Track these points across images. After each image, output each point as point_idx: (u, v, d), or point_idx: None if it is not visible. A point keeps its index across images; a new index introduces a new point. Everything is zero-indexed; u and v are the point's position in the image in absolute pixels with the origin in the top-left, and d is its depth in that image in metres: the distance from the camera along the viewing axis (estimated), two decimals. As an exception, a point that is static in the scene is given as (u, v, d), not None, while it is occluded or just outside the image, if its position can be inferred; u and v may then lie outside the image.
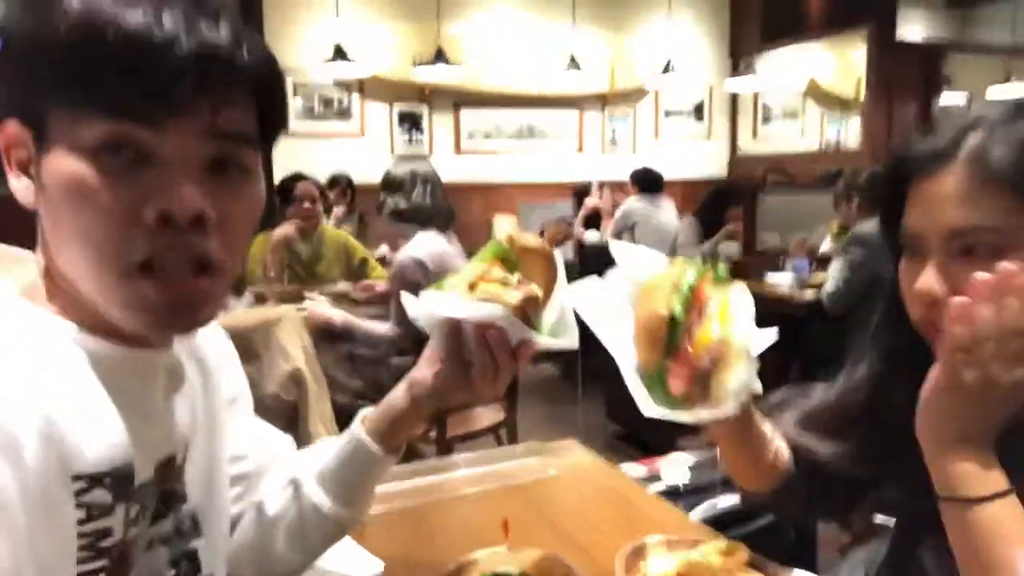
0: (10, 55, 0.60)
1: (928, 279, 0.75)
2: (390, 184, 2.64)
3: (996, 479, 0.69)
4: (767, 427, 0.93)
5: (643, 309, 0.78)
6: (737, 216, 4.34)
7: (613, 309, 0.83)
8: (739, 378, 0.75)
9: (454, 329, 0.78)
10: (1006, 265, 0.67)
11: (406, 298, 0.81)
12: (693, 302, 0.77)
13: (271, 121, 0.66)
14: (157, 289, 0.60)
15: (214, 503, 0.79)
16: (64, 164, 0.58)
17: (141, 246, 0.59)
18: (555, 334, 0.80)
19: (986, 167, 0.72)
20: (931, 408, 0.72)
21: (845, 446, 0.93)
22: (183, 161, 0.59)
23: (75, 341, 0.63)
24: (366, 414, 0.88)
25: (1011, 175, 0.71)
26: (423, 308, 0.78)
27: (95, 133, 0.57)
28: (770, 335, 0.78)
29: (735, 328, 0.76)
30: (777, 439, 0.94)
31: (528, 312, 0.75)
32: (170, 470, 0.70)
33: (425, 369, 0.85)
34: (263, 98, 0.64)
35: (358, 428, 0.87)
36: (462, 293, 0.75)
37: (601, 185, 6.09)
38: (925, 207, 0.76)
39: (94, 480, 0.59)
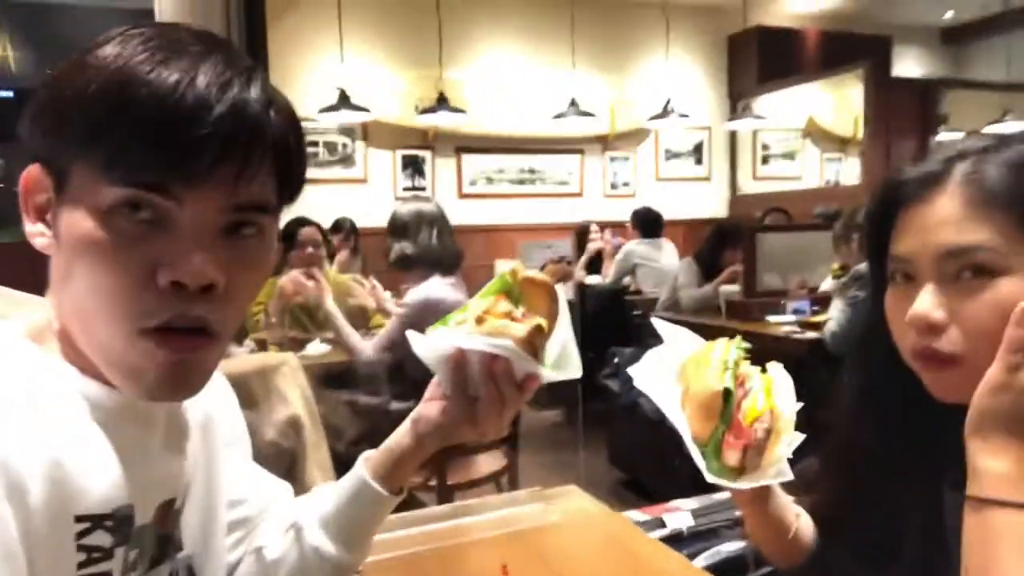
0: (46, 104, 0.60)
1: (924, 303, 0.74)
2: (396, 228, 2.61)
3: None
4: (787, 497, 0.96)
5: (696, 384, 0.84)
6: (736, 258, 4.31)
7: (665, 385, 0.89)
8: (787, 447, 0.81)
9: (460, 364, 0.79)
10: None
11: (412, 336, 0.81)
12: (736, 377, 0.83)
13: (290, 184, 0.67)
14: (164, 352, 0.60)
15: (210, 551, 0.78)
16: (80, 220, 0.58)
17: (155, 309, 0.59)
18: (558, 367, 0.81)
19: (980, 188, 0.73)
20: (981, 407, 0.70)
21: (829, 491, 0.94)
22: (199, 228, 0.59)
23: (74, 386, 0.63)
24: (367, 456, 0.87)
25: (1006, 195, 0.72)
26: (430, 344, 0.79)
27: (114, 195, 0.57)
28: (798, 406, 0.84)
29: (780, 402, 0.82)
30: (800, 510, 0.97)
31: (535, 344, 0.77)
32: (169, 514, 0.70)
33: (429, 407, 0.84)
34: (284, 161, 0.64)
35: (361, 470, 0.86)
36: (470, 327, 0.76)
37: (601, 228, 6.12)
38: (917, 231, 0.76)
39: (96, 521, 0.59)
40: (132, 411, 0.66)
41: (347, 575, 0.88)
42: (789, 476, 0.82)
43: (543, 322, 0.78)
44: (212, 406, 0.82)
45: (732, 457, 0.81)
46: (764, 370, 0.89)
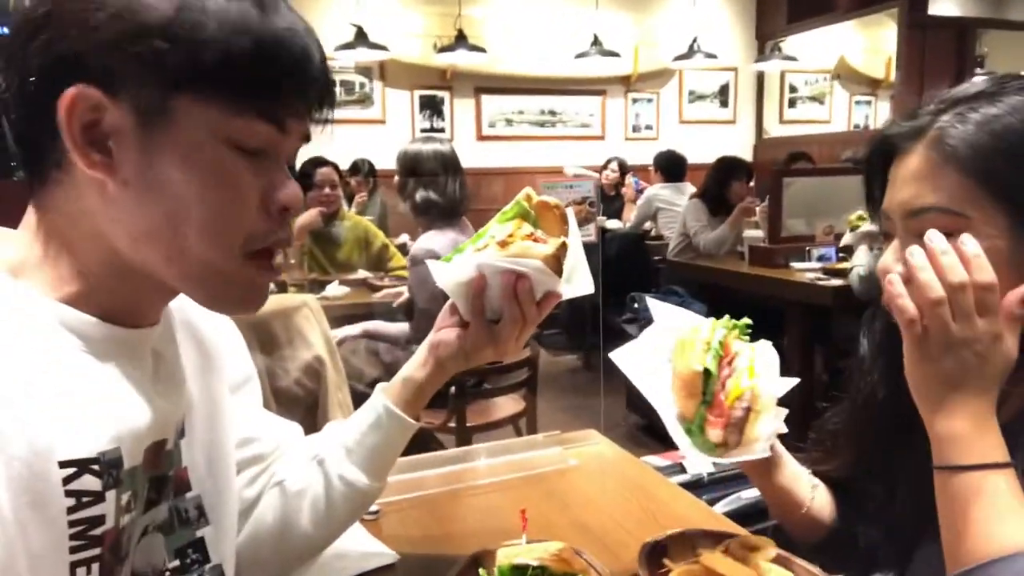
0: (139, 38, 0.57)
1: (887, 258, 0.76)
2: (419, 171, 2.56)
3: (989, 449, 0.68)
4: (799, 468, 0.97)
5: (680, 364, 0.87)
6: (744, 191, 4.20)
7: (653, 364, 0.93)
8: (768, 424, 0.84)
9: (481, 288, 0.82)
10: (933, 233, 0.70)
11: (432, 264, 0.84)
12: (723, 356, 0.87)
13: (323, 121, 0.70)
14: (264, 271, 0.66)
15: (220, 490, 0.78)
16: (206, 147, 0.60)
17: (268, 232, 0.64)
18: (571, 283, 0.86)
19: (942, 148, 0.73)
20: (911, 378, 0.73)
21: (851, 454, 0.94)
22: (288, 160, 0.66)
23: (59, 320, 0.61)
24: (384, 387, 0.90)
25: (963, 157, 0.71)
26: (453, 270, 0.82)
27: (240, 127, 0.61)
28: (791, 382, 0.87)
29: (762, 379, 0.85)
30: (817, 482, 0.97)
31: (560, 262, 0.81)
32: (159, 455, 0.68)
33: (446, 333, 0.88)
34: (323, 100, 0.68)
35: (382, 398, 0.88)
36: (495, 251, 0.80)
37: (609, 161, 6.06)
38: (893, 187, 0.77)
39: (81, 466, 0.58)
40: (122, 344, 0.65)
41: (369, 503, 0.91)
42: (766, 453, 0.84)
43: (566, 240, 0.83)
44: (214, 344, 0.81)
45: (714, 434, 0.85)
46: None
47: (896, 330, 0.79)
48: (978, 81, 0.77)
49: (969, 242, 0.69)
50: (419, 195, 2.54)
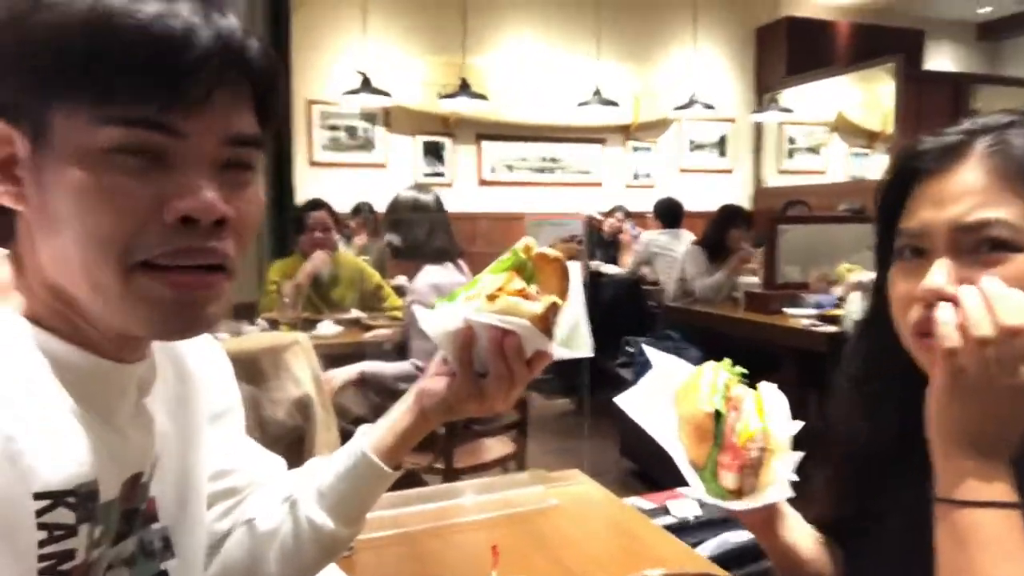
0: (4, 50, 0.57)
1: (938, 276, 0.70)
2: (391, 216, 2.62)
3: (997, 489, 0.65)
4: (805, 527, 0.93)
5: (686, 408, 0.85)
6: (742, 239, 4.20)
7: (658, 410, 0.90)
8: (784, 466, 0.80)
9: (468, 340, 0.78)
10: (989, 279, 0.66)
11: (419, 312, 0.83)
12: (728, 400, 0.84)
13: (268, 119, 0.64)
14: (165, 285, 0.58)
15: (187, 522, 0.75)
16: (73, 167, 0.56)
17: (152, 244, 0.57)
18: (568, 344, 0.80)
19: (1005, 161, 0.70)
20: (934, 410, 0.69)
21: (833, 498, 0.90)
22: (200, 162, 0.58)
23: (40, 346, 0.59)
24: (366, 430, 0.85)
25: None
26: (439, 319, 0.79)
27: (111, 137, 0.55)
28: (797, 425, 0.84)
29: (773, 421, 0.82)
30: (820, 538, 0.93)
31: (549, 322, 0.76)
32: (135, 488, 0.66)
33: (434, 382, 0.82)
34: (265, 94, 0.63)
35: (361, 444, 0.83)
36: (482, 304, 0.76)
37: (615, 210, 6.09)
38: (934, 203, 0.73)
39: (57, 498, 0.56)
40: (103, 374, 0.62)
41: (340, 549, 0.86)
42: (789, 494, 0.80)
43: (558, 300, 0.77)
44: (197, 372, 0.79)
45: (728, 479, 0.81)
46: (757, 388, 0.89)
47: (886, 357, 0.77)
48: (1003, 113, 0.75)
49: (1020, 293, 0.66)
50: (387, 239, 2.60)
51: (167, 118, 0.56)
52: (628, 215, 6.22)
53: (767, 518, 0.88)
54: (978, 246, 0.69)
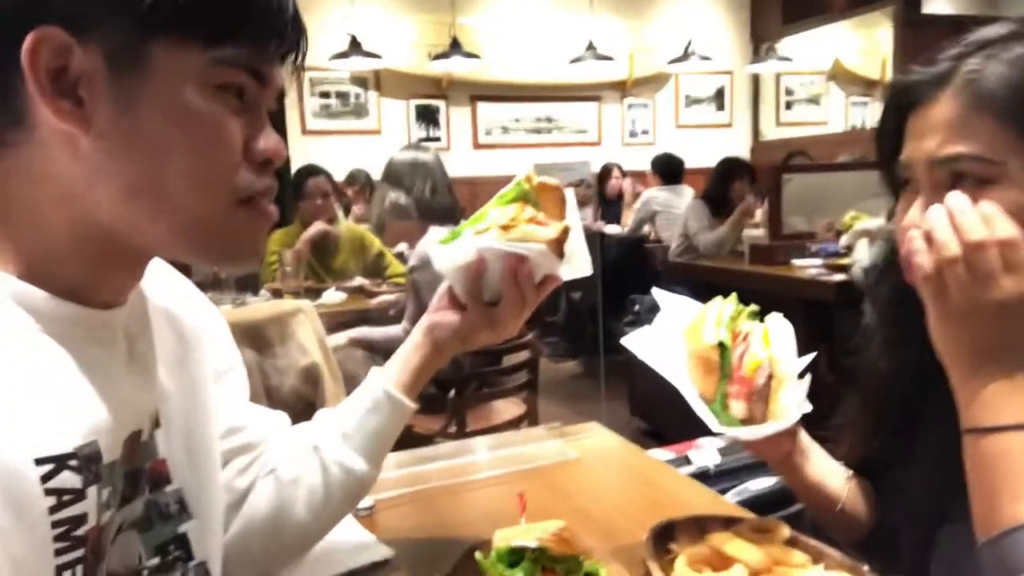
0: None
1: (914, 212, 0.71)
2: (389, 176, 2.55)
3: (1018, 406, 0.64)
4: (831, 462, 0.92)
5: (693, 344, 0.85)
6: (745, 190, 4.16)
7: (666, 349, 0.90)
8: (793, 393, 0.81)
9: (480, 271, 0.82)
10: (953, 194, 0.67)
11: (433, 248, 0.85)
12: (734, 333, 0.84)
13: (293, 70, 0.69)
14: (261, 216, 0.64)
15: (202, 482, 0.73)
16: (186, 96, 0.58)
17: (252, 180, 0.62)
18: (571, 265, 0.85)
19: (976, 92, 0.68)
20: (935, 339, 0.69)
21: (866, 438, 0.90)
22: (267, 110, 0.64)
23: (21, 302, 0.56)
24: (381, 369, 0.88)
25: (999, 100, 0.67)
26: (453, 253, 0.82)
27: (223, 75, 0.59)
28: (808, 357, 0.84)
29: (778, 350, 0.82)
30: (850, 475, 0.92)
31: (562, 245, 0.81)
32: (135, 447, 0.63)
33: (443, 315, 0.86)
34: (299, 53, 0.67)
35: (380, 382, 0.86)
36: (497, 234, 0.80)
37: (611, 167, 6.07)
38: (916, 136, 0.73)
39: (59, 462, 0.53)
40: (87, 325, 0.60)
41: (365, 492, 0.88)
42: (796, 418, 0.80)
43: (568, 224, 0.82)
44: (194, 331, 0.77)
45: (738, 408, 0.82)
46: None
47: (904, 296, 0.75)
48: (1003, 23, 0.73)
49: (986, 204, 0.65)
50: (388, 199, 2.52)
51: (266, 66, 0.61)
52: (623, 173, 6.16)
53: (788, 454, 0.87)
54: (954, 180, 0.69)
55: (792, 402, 0.80)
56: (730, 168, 4.27)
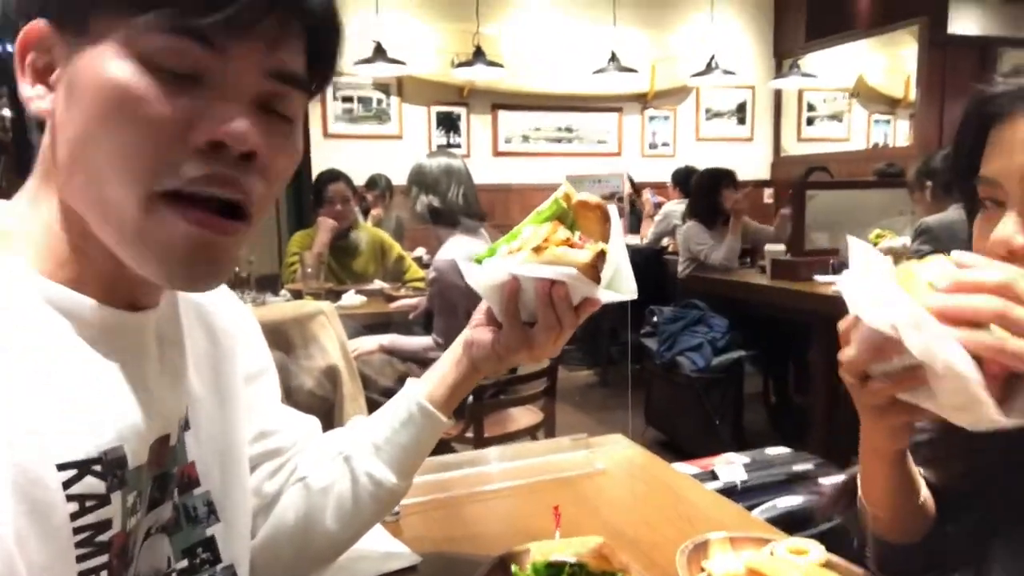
0: None
1: (1006, 228, 0.68)
2: (423, 180, 2.55)
3: None
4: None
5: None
6: (732, 196, 4.04)
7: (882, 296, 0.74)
8: None
9: (514, 292, 0.79)
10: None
11: (465, 266, 0.81)
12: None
13: (321, 67, 0.61)
14: (185, 220, 0.54)
15: (230, 485, 0.72)
16: (110, 67, 0.52)
17: (180, 170, 0.53)
18: (613, 288, 0.81)
19: None
20: None
21: (947, 459, 0.85)
22: (237, 90, 0.54)
23: (54, 303, 0.55)
24: (416, 382, 0.87)
25: None
26: (485, 273, 0.79)
27: (155, 41, 0.52)
28: None
29: None
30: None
31: (597, 269, 0.77)
32: (163, 451, 0.62)
33: (481, 332, 0.84)
34: (317, 40, 0.60)
35: (415, 395, 0.85)
36: (528, 256, 0.76)
37: (641, 188, 6.02)
38: (1005, 151, 0.70)
39: (82, 467, 0.52)
40: (120, 329, 0.58)
41: (394, 503, 0.88)
42: None
43: (605, 247, 0.78)
44: (226, 332, 0.76)
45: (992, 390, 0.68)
46: None
47: None
48: None
49: None
50: (420, 203, 2.53)
51: (213, 31, 0.52)
52: (634, 185, 6.12)
53: (900, 445, 0.75)
54: None
55: None
56: (713, 179, 4.19)
